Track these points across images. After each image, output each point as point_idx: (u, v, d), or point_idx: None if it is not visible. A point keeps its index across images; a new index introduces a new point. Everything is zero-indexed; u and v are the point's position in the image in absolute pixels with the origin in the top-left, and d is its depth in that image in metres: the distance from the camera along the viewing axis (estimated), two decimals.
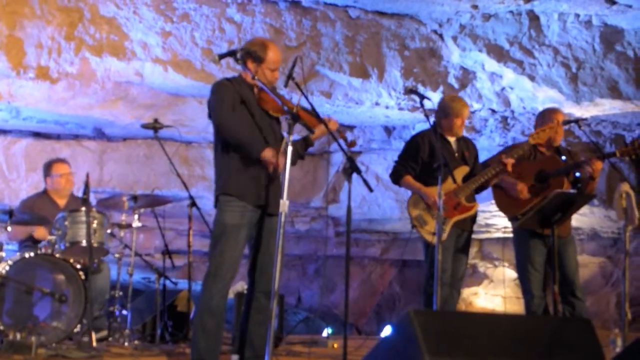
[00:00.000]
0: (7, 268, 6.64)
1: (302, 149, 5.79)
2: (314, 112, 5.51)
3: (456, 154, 7.11)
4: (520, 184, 7.16)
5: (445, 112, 7.08)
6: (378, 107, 9.61)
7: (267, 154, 5.46)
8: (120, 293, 7.75)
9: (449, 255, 6.86)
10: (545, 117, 7.44)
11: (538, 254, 7.17)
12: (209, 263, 5.59)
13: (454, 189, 6.79)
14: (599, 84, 8.93)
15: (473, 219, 7.14)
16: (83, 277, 6.83)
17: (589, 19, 8.44)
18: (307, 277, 15.05)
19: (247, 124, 5.57)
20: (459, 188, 6.83)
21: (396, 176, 7.16)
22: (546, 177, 7.17)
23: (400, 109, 9.58)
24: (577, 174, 7.22)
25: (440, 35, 8.89)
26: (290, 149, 5.16)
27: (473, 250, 14.08)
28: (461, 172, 6.95)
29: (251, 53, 5.61)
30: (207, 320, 5.50)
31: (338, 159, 11.50)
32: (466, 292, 14.13)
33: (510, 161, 6.87)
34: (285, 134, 5.34)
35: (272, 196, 5.61)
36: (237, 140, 5.51)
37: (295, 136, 5.32)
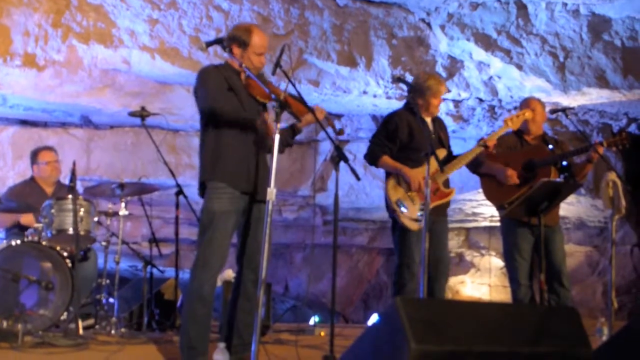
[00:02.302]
0: None
1: (290, 136, 5.79)
2: (301, 100, 5.50)
3: (433, 136, 6.83)
4: (510, 169, 7.14)
5: (422, 92, 6.78)
6: (366, 95, 9.62)
7: (265, 117, 5.51)
8: (107, 281, 7.72)
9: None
10: (523, 105, 7.46)
11: (525, 242, 7.19)
12: (197, 251, 5.57)
13: (432, 174, 6.48)
14: (587, 73, 8.95)
15: (446, 205, 6.94)
16: (70, 264, 6.80)
17: (576, 8, 8.44)
18: (294, 265, 15.08)
19: (237, 106, 5.57)
20: (437, 173, 6.64)
21: (373, 156, 6.84)
22: (533, 167, 7.18)
23: (388, 97, 9.59)
24: (564, 163, 7.23)
25: (428, 24, 8.89)
26: (277, 137, 5.15)
27: (460, 239, 14.13)
28: (439, 155, 6.58)
29: (236, 38, 5.61)
30: (198, 309, 5.48)
31: (326, 147, 11.50)
32: (453, 281, 14.18)
33: (492, 141, 6.76)
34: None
35: (260, 182, 5.60)
36: (232, 117, 5.51)
37: (282, 124, 5.31)
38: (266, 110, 5.78)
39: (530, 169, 7.18)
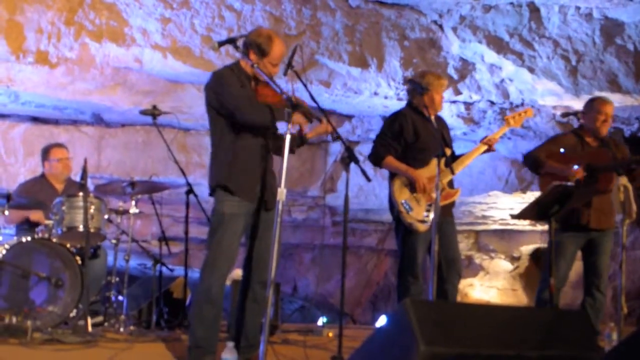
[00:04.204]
0: (4, 252, 6.62)
1: (295, 144, 5.75)
2: (308, 108, 5.49)
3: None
4: (578, 170, 7.02)
5: (423, 89, 6.65)
6: (377, 97, 9.60)
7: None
8: (117, 279, 7.74)
9: (426, 246, 6.58)
10: (589, 105, 7.36)
11: (571, 244, 7.12)
12: (207, 252, 5.59)
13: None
14: (599, 77, 8.92)
15: (452, 205, 6.89)
16: (80, 262, 6.83)
17: (589, 12, 8.41)
18: (303, 266, 15.07)
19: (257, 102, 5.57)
20: (443, 172, 6.50)
21: (377, 157, 6.75)
22: (595, 171, 7.07)
23: (399, 99, 9.57)
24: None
25: (440, 26, 8.87)
26: (288, 137, 5.16)
27: (469, 241, 14.11)
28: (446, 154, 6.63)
29: (257, 45, 5.56)
30: (206, 310, 5.50)
31: (336, 148, 11.49)
32: (462, 284, 14.13)
33: (494, 140, 6.77)
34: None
35: (268, 191, 5.62)
36: (255, 124, 5.54)
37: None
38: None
39: (591, 173, 7.08)
